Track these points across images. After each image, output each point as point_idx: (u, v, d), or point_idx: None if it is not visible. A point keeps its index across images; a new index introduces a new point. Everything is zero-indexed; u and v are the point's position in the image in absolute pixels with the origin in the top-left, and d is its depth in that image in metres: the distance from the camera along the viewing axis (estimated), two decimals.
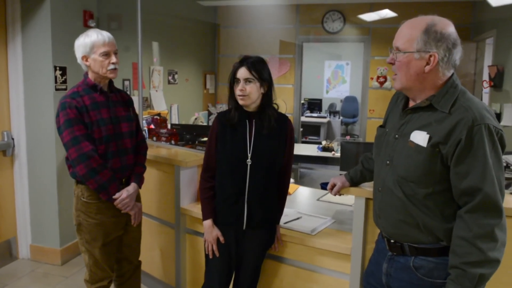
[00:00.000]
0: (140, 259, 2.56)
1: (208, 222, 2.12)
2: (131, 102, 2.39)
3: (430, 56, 1.42)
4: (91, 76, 2.20)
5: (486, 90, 4.81)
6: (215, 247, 2.11)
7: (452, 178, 1.42)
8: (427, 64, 1.43)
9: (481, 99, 4.85)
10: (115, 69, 2.18)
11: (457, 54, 1.45)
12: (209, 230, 2.11)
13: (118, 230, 2.31)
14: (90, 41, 2.13)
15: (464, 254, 1.38)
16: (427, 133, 1.44)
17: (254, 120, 2.06)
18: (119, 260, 2.45)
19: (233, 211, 2.07)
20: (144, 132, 3.11)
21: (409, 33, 1.44)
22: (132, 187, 2.26)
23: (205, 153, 2.17)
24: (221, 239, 2.10)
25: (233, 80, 2.02)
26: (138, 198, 2.43)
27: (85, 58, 2.16)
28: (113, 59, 2.16)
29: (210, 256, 2.13)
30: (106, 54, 2.14)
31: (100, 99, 2.20)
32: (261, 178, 2.06)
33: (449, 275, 1.42)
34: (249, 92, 1.98)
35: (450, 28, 1.43)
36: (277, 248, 2.25)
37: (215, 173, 2.14)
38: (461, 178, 1.40)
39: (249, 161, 2.04)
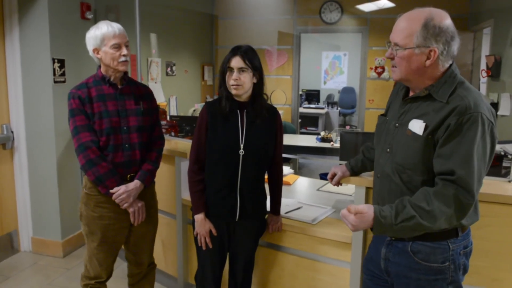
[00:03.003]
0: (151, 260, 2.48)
1: (200, 216, 2.09)
2: (148, 96, 2.30)
3: (430, 51, 1.44)
4: (102, 69, 2.16)
5: (483, 80, 4.83)
6: (208, 240, 2.10)
7: (435, 160, 1.44)
8: (428, 58, 1.45)
9: (479, 89, 4.87)
10: (126, 61, 2.13)
11: (455, 45, 1.46)
12: (202, 224, 2.08)
13: (121, 229, 2.23)
14: (101, 33, 2.08)
15: (417, 199, 1.41)
16: (423, 122, 1.47)
17: (245, 111, 2.05)
18: (128, 260, 2.42)
19: (226, 203, 2.06)
20: None
21: (408, 28, 1.45)
22: (133, 183, 2.15)
23: (194, 145, 2.11)
24: (214, 231, 2.09)
25: (226, 70, 1.99)
26: (152, 196, 2.36)
27: (96, 50, 2.12)
28: (124, 51, 2.11)
29: (204, 248, 2.12)
30: (117, 46, 2.09)
31: (109, 91, 2.16)
32: (253, 169, 2.06)
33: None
34: (243, 82, 1.97)
35: (447, 21, 1.44)
36: (271, 231, 2.26)
37: (204, 165, 2.11)
38: (442, 160, 1.42)
39: (241, 152, 2.02)
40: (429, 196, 1.40)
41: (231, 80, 1.98)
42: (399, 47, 1.47)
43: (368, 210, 1.44)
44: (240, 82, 1.97)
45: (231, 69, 1.98)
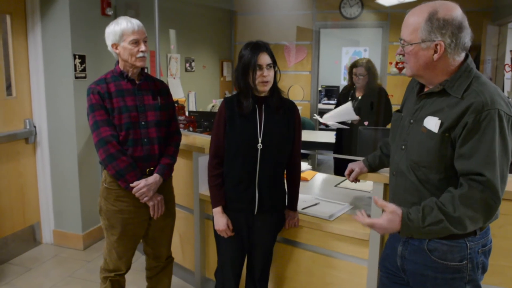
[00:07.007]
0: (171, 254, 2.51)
1: (218, 209, 2.11)
2: (164, 91, 2.32)
3: (436, 45, 1.41)
4: (120, 64, 2.19)
5: (508, 76, 4.71)
6: (229, 234, 2.11)
7: (456, 160, 1.42)
8: (435, 52, 1.42)
9: (503, 85, 4.75)
10: (143, 57, 2.15)
11: (466, 37, 1.42)
12: (220, 216, 2.10)
13: (140, 223, 2.26)
14: (120, 29, 2.11)
15: (444, 202, 1.40)
16: (439, 119, 1.43)
17: (263, 105, 2.06)
18: (146, 254, 2.44)
19: (245, 196, 2.08)
20: None
21: (413, 23, 1.44)
22: (153, 177, 2.19)
23: (213, 139, 2.13)
24: (230, 226, 2.10)
25: (251, 66, 1.97)
26: (170, 190, 2.39)
27: (115, 46, 2.15)
28: (142, 47, 2.13)
29: (229, 236, 2.12)
30: (136, 42, 2.12)
31: (127, 86, 2.18)
32: (271, 163, 2.07)
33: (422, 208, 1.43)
34: (271, 78, 2.00)
35: (453, 12, 1.40)
36: (287, 227, 2.26)
37: (223, 159, 2.12)
38: (463, 160, 1.39)
39: (260, 145, 2.03)
40: (455, 201, 1.38)
41: (260, 77, 1.98)
42: (406, 43, 1.46)
43: (397, 210, 1.46)
44: (269, 79, 1.99)
45: (260, 66, 1.98)
